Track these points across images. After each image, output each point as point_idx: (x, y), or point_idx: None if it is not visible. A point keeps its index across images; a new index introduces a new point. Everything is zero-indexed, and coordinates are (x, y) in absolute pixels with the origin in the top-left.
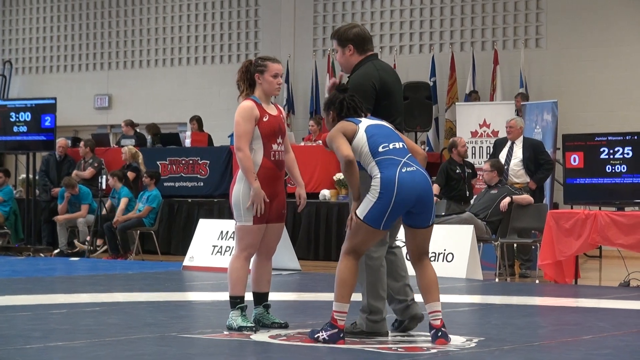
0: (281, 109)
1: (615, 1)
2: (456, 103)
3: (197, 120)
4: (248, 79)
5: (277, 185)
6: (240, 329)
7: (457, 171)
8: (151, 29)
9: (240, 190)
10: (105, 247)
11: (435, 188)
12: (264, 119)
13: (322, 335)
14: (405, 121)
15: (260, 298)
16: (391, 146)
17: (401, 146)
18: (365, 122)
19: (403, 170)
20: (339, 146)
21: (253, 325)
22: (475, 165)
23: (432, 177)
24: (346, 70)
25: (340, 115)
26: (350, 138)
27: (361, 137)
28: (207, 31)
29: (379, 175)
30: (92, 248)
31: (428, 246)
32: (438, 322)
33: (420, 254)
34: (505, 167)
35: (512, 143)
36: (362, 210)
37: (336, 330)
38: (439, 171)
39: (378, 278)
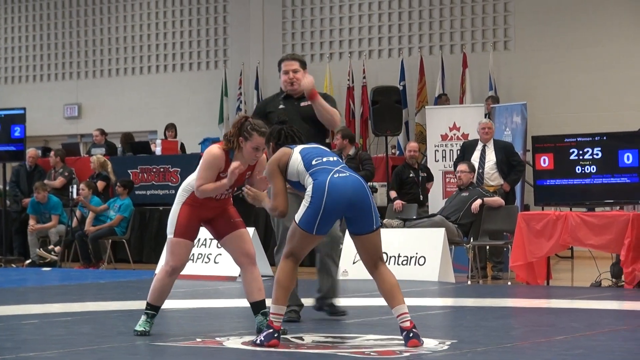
0: (260, 160)
1: (582, 4)
2: (426, 107)
3: (174, 128)
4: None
5: (216, 208)
6: (134, 331)
7: (410, 175)
8: (120, 38)
9: (177, 210)
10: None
11: (393, 193)
12: (222, 176)
13: (260, 337)
14: (375, 125)
15: (257, 307)
16: (324, 159)
17: (335, 159)
18: (300, 147)
19: (335, 176)
20: (274, 190)
21: (144, 330)
22: (447, 169)
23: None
24: (296, 89)
25: (278, 144)
26: (286, 162)
27: (296, 158)
28: (176, 39)
29: (312, 183)
30: (56, 257)
31: (380, 252)
32: (408, 324)
33: (374, 261)
34: (480, 170)
35: (484, 146)
36: (298, 215)
37: (271, 330)
38: (392, 175)
39: None
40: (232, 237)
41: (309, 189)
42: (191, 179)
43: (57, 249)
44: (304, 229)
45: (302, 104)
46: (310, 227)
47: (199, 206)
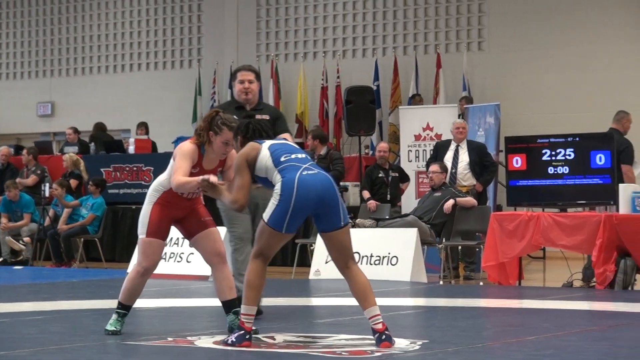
0: (231, 154)
1: (556, 5)
2: (399, 107)
3: (145, 127)
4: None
5: (186, 208)
6: (105, 330)
7: (380, 175)
8: (94, 36)
9: (148, 210)
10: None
11: (366, 193)
12: (194, 171)
13: (231, 337)
14: (349, 125)
15: (228, 306)
16: (293, 156)
17: (304, 156)
18: (268, 142)
19: (304, 173)
20: (238, 183)
21: (115, 329)
22: (420, 169)
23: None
24: (254, 100)
25: (246, 137)
26: (255, 157)
27: (265, 154)
28: (150, 37)
29: (280, 180)
30: (24, 247)
31: (351, 251)
32: (380, 326)
33: (345, 261)
34: (453, 170)
35: (457, 146)
36: (266, 214)
37: (242, 332)
38: (364, 175)
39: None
40: (202, 236)
41: (278, 186)
42: (162, 179)
43: (26, 239)
44: (274, 227)
45: (257, 116)
46: (279, 226)
47: (170, 205)
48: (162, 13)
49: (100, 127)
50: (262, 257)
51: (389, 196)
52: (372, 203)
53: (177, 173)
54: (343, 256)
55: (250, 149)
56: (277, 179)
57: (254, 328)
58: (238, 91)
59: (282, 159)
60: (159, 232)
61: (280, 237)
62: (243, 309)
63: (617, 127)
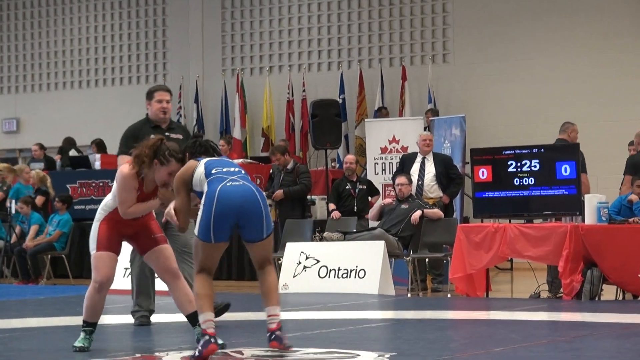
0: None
1: (520, 17)
2: (365, 120)
3: (96, 144)
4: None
5: (136, 225)
6: (73, 347)
7: (347, 187)
8: (58, 51)
9: (96, 227)
10: None
11: (331, 205)
12: (138, 192)
13: (197, 348)
14: (315, 139)
15: (193, 318)
16: (224, 169)
17: (236, 170)
18: (207, 159)
19: (228, 184)
20: (176, 206)
21: (83, 346)
22: (386, 182)
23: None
24: (168, 119)
25: (193, 154)
26: (190, 174)
27: (200, 169)
28: (115, 52)
29: (205, 191)
30: None
31: (269, 255)
32: (274, 326)
33: (262, 262)
34: (419, 182)
35: (424, 158)
36: (196, 228)
37: (207, 337)
38: (331, 188)
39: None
40: (154, 253)
41: (203, 199)
42: (108, 199)
43: None
44: (203, 239)
45: (172, 135)
46: (207, 237)
47: (118, 223)
48: (127, 28)
49: (69, 142)
50: (205, 271)
51: (355, 208)
52: (336, 213)
53: (124, 205)
54: (261, 261)
55: (186, 168)
56: (204, 191)
57: (220, 342)
58: (156, 110)
59: (213, 171)
60: (109, 246)
61: (213, 247)
62: (201, 318)
63: (564, 137)
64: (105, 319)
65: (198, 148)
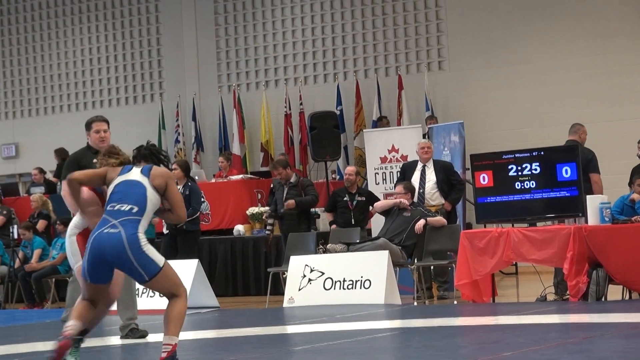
0: None
1: (513, 22)
2: (364, 130)
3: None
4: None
5: None
6: None
7: (345, 199)
8: (54, 75)
9: (73, 241)
10: None
11: (329, 216)
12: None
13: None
14: (314, 151)
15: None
16: (116, 207)
17: (127, 209)
18: (127, 175)
19: (104, 231)
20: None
21: None
22: (387, 191)
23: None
24: (105, 146)
25: (134, 158)
26: (103, 176)
27: (110, 188)
28: (111, 74)
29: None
30: None
31: (172, 288)
32: (164, 355)
33: (168, 295)
34: (421, 190)
35: (424, 166)
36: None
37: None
38: (328, 198)
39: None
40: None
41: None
42: (76, 220)
43: None
44: (83, 277)
45: None
46: (84, 275)
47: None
48: (121, 49)
49: (61, 155)
50: (87, 301)
51: (353, 220)
52: (328, 216)
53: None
54: (165, 294)
55: (108, 170)
56: None
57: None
58: (95, 139)
59: (108, 207)
60: None
61: (91, 286)
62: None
63: (575, 138)
64: (111, 340)
65: (136, 155)
